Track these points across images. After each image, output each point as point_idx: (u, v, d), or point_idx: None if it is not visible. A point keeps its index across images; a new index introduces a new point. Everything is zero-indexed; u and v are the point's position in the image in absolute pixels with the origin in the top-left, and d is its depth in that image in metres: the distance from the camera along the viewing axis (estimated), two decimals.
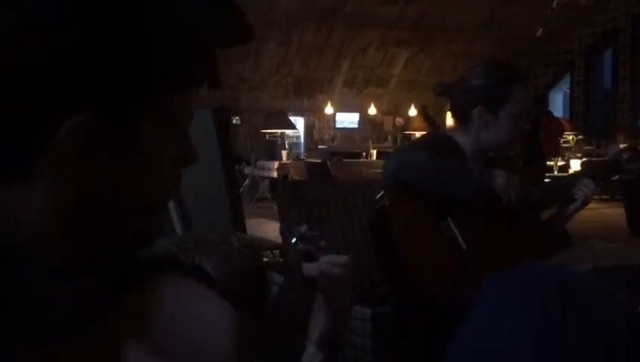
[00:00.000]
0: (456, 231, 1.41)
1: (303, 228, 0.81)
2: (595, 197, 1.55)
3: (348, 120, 11.56)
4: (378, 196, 1.51)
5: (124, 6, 0.46)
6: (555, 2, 7.68)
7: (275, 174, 7.99)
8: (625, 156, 1.48)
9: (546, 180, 2.15)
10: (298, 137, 11.03)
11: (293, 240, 0.80)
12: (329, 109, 11.06)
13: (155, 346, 0.44)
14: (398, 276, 1.45)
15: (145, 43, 0.46)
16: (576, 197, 1.45)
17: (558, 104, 12.29)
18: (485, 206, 1.40)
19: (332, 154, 9.15)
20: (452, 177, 1.41)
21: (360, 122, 11.57)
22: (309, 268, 0.76)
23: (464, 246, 1.40)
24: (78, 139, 0.43)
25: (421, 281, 1.39)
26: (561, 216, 1.50)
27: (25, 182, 0.44)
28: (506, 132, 1.47)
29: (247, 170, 8.44)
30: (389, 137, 11.50)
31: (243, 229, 2.28)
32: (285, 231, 0.82)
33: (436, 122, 8.74)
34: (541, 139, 7.11)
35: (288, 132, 9.17)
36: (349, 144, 10.85)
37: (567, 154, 8.36)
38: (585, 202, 1.45)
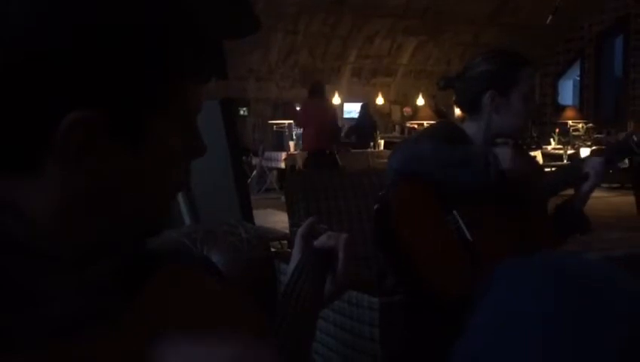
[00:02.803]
0: (462, 223, 1.41)
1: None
2: (604, 185, 1.57)
3: (355, 110, 11.50)
4: (384, 188, 1.51)
5: (128, 2, 0.45)
6: None
7: (282, 165, 7.99)
8: (635, 138, 1.48)
9: (554, 168, 2.13)
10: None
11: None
12: (336, 99, 11.03)
13: (169, 338, 0.44)
14: (405, 268, 1.45)
15: (152, 39, 0.46)
16: (589, 172, 1.47)
17: (567, 92, 12.18)
18: (495, 189, 1.40)
19: (340, 145, 9.13)
20: (459, 160, 1.41)
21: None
22: (327, 238, 0.78)
23: (470, 239, 1.40)
24: (79, 135, 0.43)
25: (427, 274, 1.39)
26: (578, 196, 1.51)
27: (34, 178, 0.44)
28: (518, 114, 1.48)
29: (254, 161, 8.44)
30: (397, 127, 11.46)
31: (251, 220, 2.29)
32: (296, 227, 0.84)
33: (446, 113, 8.71)
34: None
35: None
36: None
37: (576, 142, 8.28)
38: (598, 176, 1.47)
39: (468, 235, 1.40)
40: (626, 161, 1.57)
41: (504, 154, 1.39)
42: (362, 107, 9.80)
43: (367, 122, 9.28)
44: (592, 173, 1.47)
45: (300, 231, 0.80)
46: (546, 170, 2.89)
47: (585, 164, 1.49)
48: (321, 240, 0.78)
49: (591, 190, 1.50)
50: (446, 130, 1.56)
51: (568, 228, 1.55)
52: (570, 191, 1.59)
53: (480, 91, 1.49)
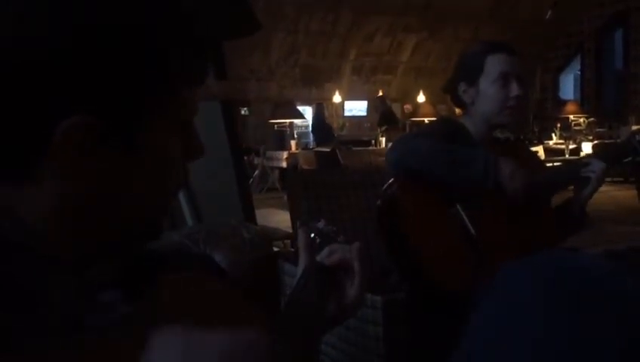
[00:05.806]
0: (466, 218, 1.41)
1: (322, 224, 0.77)
2: (607, 179, 1.55)
3: (356, 108, 11.50)
4: (386, 185, 1.51)
5: (127, 4, 0.45)
6: None
7: (284, 164, 7.98)
8: (638, 138, 1.47)
9: (557, 163, 2.12)
10: (307, 127, 11.01)
11: (312, 235, 0.75)
12: (337, 98, 11.02)
13: (171, 343, 0.44)
14: (408, 265, 1.45)
15: (152, 39, 0.46)
16: (590, 176, 1.45)
17: (568, 86, 12.15)
18: (493, 190, 1.40)
19: (341, 143, 9.13)
20: (458, 161, 1.41)
21: (368, 110, 11.52)
22: (339, 252, 0.72)
23: (474, 233, 1.40)
24: (76, 140, 0.43)
25: (431, 269, 1.39)
26: (578, 198, 1.50)
27: (32, 181, 0.44)
28: (490, 99, 1.49)
29: (256, 160, 8.44)
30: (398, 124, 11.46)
31: (253, 220, 2.29)
32: (302, 227, 0.77)
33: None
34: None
35: (297, 121, 9.15)
36: (358, 132, 10.81)
37: (578, 137, 8.25)
38: (599, 181, 1.46)
39: (472, 229, 1.40)
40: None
41: (506, 169, 1.38)
42: (318, 107, 9.86)
43: (321, 123, 9.59)
44: (594, 178, 1.45)
45: (301, 244, 0.73)
46: (548, 165, 2.89)
47: (587, 169, 1.46)
48: (324, 256, 0.71)
49: (590, 195, 1.47)
50: (446, 127, 1.56)
51: (567, 228, 1.54)
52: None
53: (455, 86, 1.55)
